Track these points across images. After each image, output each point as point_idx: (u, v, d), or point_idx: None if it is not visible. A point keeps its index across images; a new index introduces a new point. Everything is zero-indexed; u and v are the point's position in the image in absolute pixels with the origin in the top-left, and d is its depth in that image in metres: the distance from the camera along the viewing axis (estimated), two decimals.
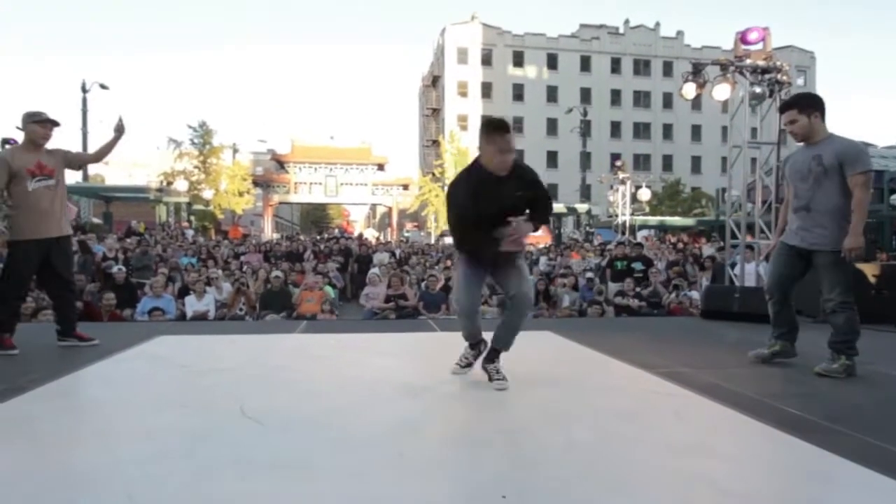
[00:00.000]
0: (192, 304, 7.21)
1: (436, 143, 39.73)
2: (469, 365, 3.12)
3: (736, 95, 6.81)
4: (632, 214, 19.98)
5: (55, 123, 3.85)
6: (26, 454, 1.91)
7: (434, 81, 46.20)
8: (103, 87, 19.76)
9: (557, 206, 26.68)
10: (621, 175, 19.62)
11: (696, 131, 44.71)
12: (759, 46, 6.79)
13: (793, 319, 3.51)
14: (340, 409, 2.48)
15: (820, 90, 39.96)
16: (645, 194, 21.77)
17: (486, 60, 42.60)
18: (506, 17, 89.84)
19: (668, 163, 44.02)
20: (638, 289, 8.53)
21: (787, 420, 2.35)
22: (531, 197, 2.87)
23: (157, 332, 4.57)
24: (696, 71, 6.59)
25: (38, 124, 3.76)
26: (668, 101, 44.74)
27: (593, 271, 10.24)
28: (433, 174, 34.18)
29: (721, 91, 6.67)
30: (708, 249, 12.39)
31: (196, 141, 28.11)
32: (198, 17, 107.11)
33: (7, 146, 9.02)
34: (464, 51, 42.30)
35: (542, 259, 13.63)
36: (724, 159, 32.42)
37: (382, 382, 2.97)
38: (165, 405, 2.52)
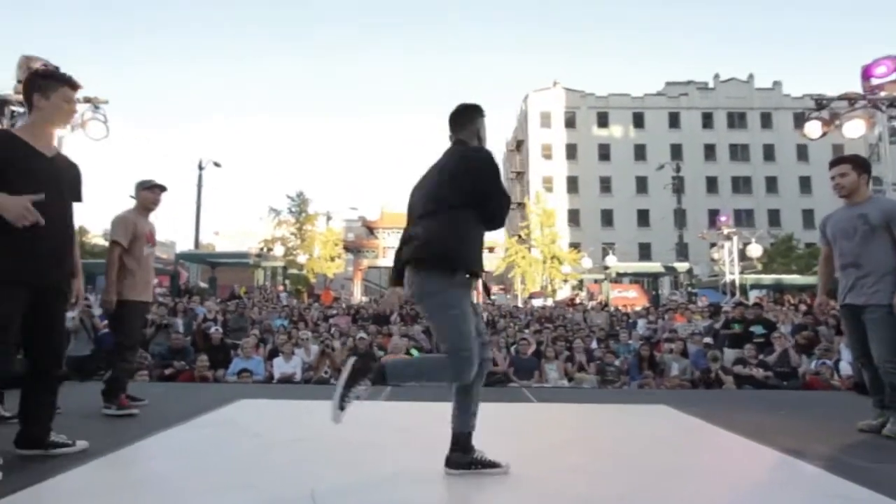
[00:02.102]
0: (279, 366, 7.16)
1: (521, 205, 39.69)
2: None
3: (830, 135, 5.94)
4: (741, 273, 18.21)
5: (163, 189, 3.98)
6: None
7: (518, 146, 46.88)
8: (217, 164, 21.81)
9: (653, 266, 25.19)
10: (726, 230, 18.11)
11: (804, 183, 41.23)
12: (893, 78, 5.96)
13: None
14: (426, 492, 2.04)
15: None
16: (755, 250, 19.89)
17: (570, 123, 42.70)
18: (587, 81, 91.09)
19: (774, 217, 40.65)
20: (761, 356, 7.41)
21: None
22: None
23: (242, 395, 4.42)
24: (821, 106, 5.84)
25: (149, 190, 3.92)
26: (769, 153, 42.00)
27: (702, 335, 9.16)
28: (519, 236, 33.87)
29: (854, 128, 5.84)
30: None
31: (293, 209, 30.05)
32: (297, 90, 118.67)
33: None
34: (547, 115, 42.76)
35: (641, 322, 12.58)
36: None
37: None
38: (230, 483, 2.22)
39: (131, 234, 3.76)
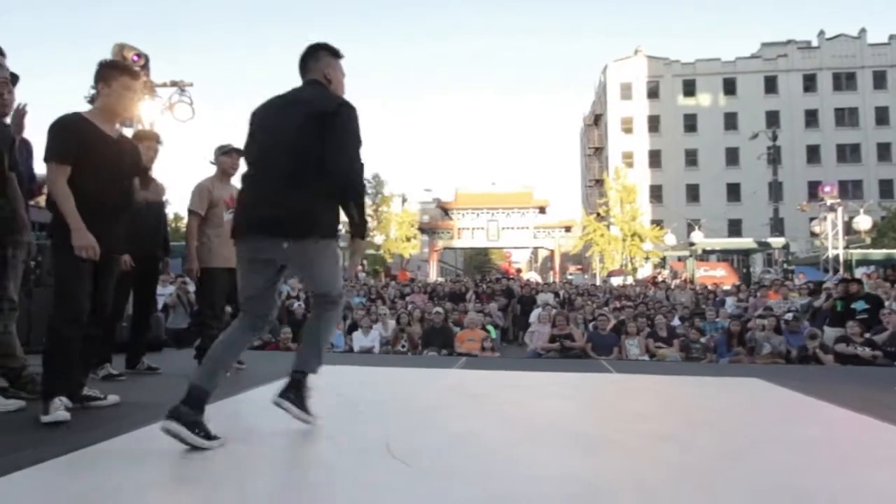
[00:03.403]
0: (358, 340, 7.42)
1: (599, 182, 38.35)
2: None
3: None
4: (846, 248, 16.54)
5: (240, 153, 4.12)
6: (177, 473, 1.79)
7: (596, 120, 45.11)
8: None
9: (744, 242, 23.48)
10: (829, 201, 16.46)
11: None
12: None
13: None
14: (500, 456, 2.01)
15: None
16: (864, 222, 17.94)
17: (653, 93, 40.36)
18: (672, 48, 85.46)
19: (886, 188, 36.42)
20: (867, 335, 6.71)
21: None
22: None
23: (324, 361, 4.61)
24: None
25: (226, 155, 4.00)
26: (882, 116, 37.54)
27: (799, 312, 8.45)
28: (598, 214, 32.79)
29: None
30: None
31: (369, 191, 30.88)
32: (370, 73, 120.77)
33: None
34: (627, 86, 40.67)
35: (730, 300, 11.80)
36: None
37: (551, 429, 2.45)
38: (313, 435, 2.32)
39: (207, 201, 3.83)
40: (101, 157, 2.51)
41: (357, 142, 2.11)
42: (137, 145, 2.96)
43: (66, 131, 2.47)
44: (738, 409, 3.00)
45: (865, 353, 6.39)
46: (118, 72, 2.62)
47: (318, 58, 2.28)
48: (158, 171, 3.96)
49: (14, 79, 2.95)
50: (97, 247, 2.42)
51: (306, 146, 2.05)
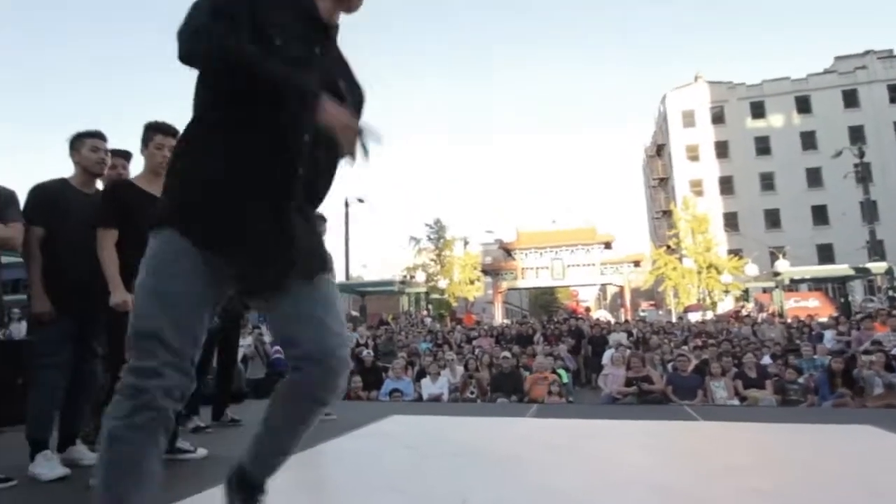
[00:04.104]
0: (427, 387, 7.39)
1: (667, 213, 36.98)
2: None
3: None
4: None
5: (323, 219, 4.35)
6: None
7: (658, 150, 43.99)
8: (360, 200, 23.78)
9: (839, 269, 21.60)
10: None
11: None
12: None
13: None
14: None
15: None
16: None
17: (718, 118, 38.97)
18: (734, 71, 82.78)
19: None
20: None
21: None
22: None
23: (393, 411, 4.62)
24: None
25: None
26: None
27: None
28: (668, 246, 31.47)
29: None
30: None
31: (432, 237, 31.36)
32: (429, 114, 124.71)
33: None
34: (689, 113, 39.56)
35: (828, 334, 10.81)
36: None
37: (632, 483, 2.29)
38: (384, 489, 2.29)
39: None
40: (147, 217, 2.59)
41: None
42: None
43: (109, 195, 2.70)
44: (846, 462, 2.68)
45: None
46: (150, 131, 2.73)
47: None
48: None
49: (127, 155, 3.19)
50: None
51: None
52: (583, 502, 2.04)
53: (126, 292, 2.44)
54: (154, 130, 2.71)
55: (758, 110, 38.24)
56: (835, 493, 2.10)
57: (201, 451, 2.93)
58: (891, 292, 17.09)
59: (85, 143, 2.78)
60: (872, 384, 6.45)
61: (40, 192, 2.73)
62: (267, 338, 8.34)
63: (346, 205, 23.52)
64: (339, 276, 26.23)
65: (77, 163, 2.79)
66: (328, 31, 1.41)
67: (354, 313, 20.99)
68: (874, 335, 8.91)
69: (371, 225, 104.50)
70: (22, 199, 2.69)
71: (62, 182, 2.78)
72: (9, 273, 3.90)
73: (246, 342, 8.52)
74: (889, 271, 18.90)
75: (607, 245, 34.64)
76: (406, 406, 5.66)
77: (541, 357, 8.49)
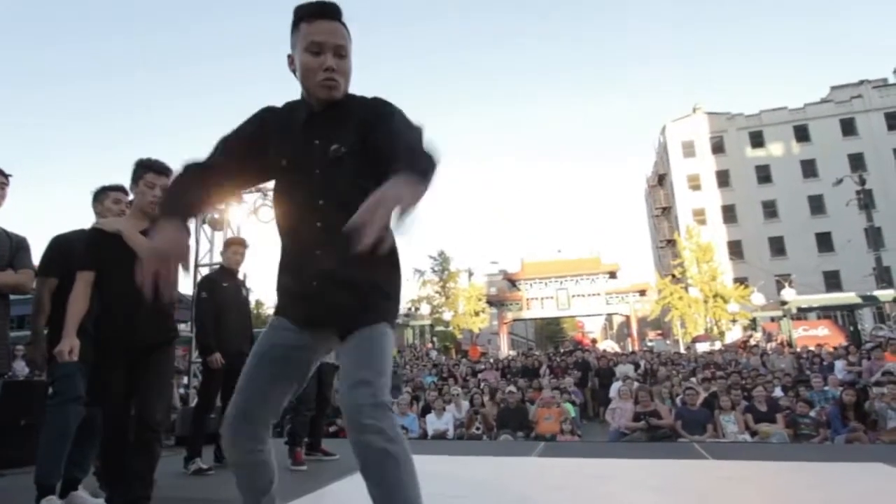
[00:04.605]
0: (432, 423, 7.28)
1: (671, 242, 37.02)
2: None
3: None
4: None
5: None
6: None
7: (660, 180, 44.28)
8: None
9: (846, 297, 21.41)
10: None
11: None
12: None
13: None
14: None
15: None
16: None
17: (718, 148, 39.33)
18: (732, 102, 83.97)
19: None
20: None
21: None
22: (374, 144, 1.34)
23: None
24: None
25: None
26: None
27: None
28: (673, 275, 31.34)
29: None
30: None
31: (436, 269, 31.39)
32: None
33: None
34: (689, 143, 39.95)
35: (839, 364, 10.65)
36: None
37: None
38: None
39: None
40: (124, 263, 2.20)
41: None
42: None
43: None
44: (857, 501, 2.62)
45: None
46: (141, 168, 2.56)
47: None
48: (244, 268, 4.32)
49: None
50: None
51: None
52: None
53: (75, 339, 2.35)
54: (145, 168, 2.55)
55: (757, 139, 38.62)
56: None
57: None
58: None
59: (109, 195, 2.91)
60: (885, 417, 6.32)
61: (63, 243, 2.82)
62: None
63: None
64: None
65: (98, 214, 2.89)
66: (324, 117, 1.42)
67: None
68: (885, 365, 8.78)
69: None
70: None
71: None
72: (14, 309, 3.94)
73: None
74: None
75: (612, 274, 34.60)
76: (411, 444, 5.57)
77: (547, 391, 8.38)
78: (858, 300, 19.54)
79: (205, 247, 6.45)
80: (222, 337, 3.91)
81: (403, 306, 32.72)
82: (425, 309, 28.99)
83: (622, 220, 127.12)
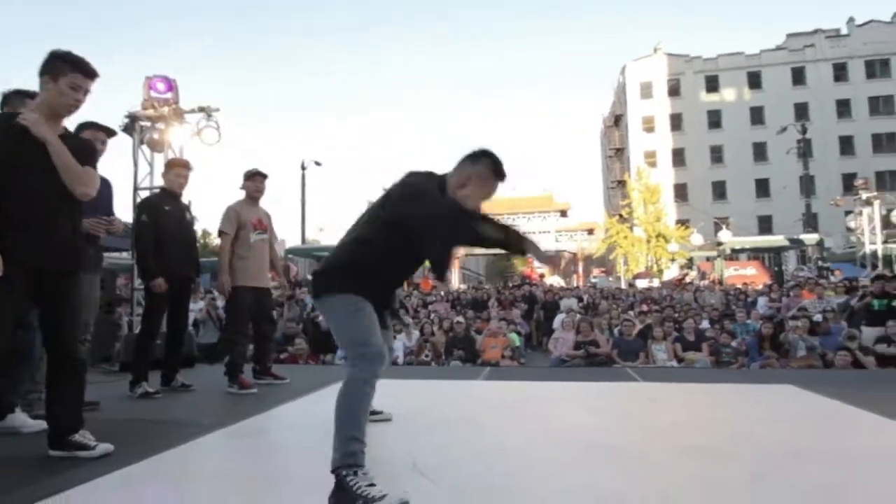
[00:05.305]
0: None
1: (621, 183, 37.89)
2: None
3: None
4: (884, 242, 15.99)
5: (264, 176, 4.26)
6: (200, 495, 1.83)
7: (616, 121, 44.67)
8: (317, 164, 23.18)
9: (775, 240, 22.89)
10: (865, 195, 15.95)
11: None
12: None
13: None
14: (526, 472, 2.01)
15: None
16: None
17: (674, 91, 39.77)
18: (692, 45, 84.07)
19: None
20: None
21: None
22: None
23: None
24: None
25: (250, 180, 4.20)
26: None
27: (835, 312, 8.18)
28: (620, 215, 32.37)
29: None
30: None
31: None
32: (374, 78, 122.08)
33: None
34: (647, 85, 40.16)
35: (762, 301, 11.50)
36: None
37: (577, 442, 2.43)
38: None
39: (235, 222, 4.02)
40: (32, 158, 2.13)
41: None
42: (82, 142, 2.43)
43: None
44: (771, 419, 2.92)
45: None
46: (69, 66, 2.17)
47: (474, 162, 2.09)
48: (189, 194, 4.13)
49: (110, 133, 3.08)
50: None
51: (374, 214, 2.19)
52: (531, 462, 2.15)
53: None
54: (73, 66, 2.17)
55: (712, 84, 39.20)
56: (758, 447, 2.29)
57: (102, 448, 2.24)
58: (820, 262, 18.28)
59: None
60: (796, 347, 6.97)
61: None
62: (219, 302, 8.17)
63: (303, 167, 22.87)
64: (295, 240, 25.78)
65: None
66: None
67: (310, 277, 20.74)
68: (802, 302, 9.56)
69: (328, 188, 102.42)
70: None
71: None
72: None
73: (197, 306, 8.32)
74: (819, 242, 20.17)
75: (563, 213, 35.44)
76: None
77: (494, 321, 8.70)
78: (786, 243, 20.89)
79: (144, 169, 6.07)
80: (166, 261, 3.78)
81: None
82: None
83: (577, 160, 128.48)
